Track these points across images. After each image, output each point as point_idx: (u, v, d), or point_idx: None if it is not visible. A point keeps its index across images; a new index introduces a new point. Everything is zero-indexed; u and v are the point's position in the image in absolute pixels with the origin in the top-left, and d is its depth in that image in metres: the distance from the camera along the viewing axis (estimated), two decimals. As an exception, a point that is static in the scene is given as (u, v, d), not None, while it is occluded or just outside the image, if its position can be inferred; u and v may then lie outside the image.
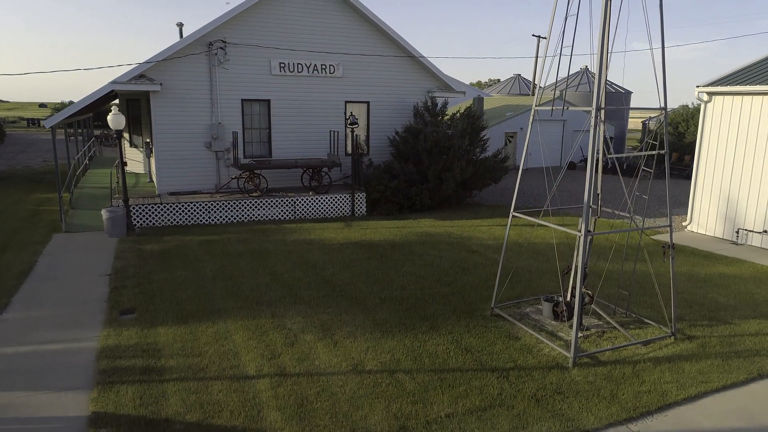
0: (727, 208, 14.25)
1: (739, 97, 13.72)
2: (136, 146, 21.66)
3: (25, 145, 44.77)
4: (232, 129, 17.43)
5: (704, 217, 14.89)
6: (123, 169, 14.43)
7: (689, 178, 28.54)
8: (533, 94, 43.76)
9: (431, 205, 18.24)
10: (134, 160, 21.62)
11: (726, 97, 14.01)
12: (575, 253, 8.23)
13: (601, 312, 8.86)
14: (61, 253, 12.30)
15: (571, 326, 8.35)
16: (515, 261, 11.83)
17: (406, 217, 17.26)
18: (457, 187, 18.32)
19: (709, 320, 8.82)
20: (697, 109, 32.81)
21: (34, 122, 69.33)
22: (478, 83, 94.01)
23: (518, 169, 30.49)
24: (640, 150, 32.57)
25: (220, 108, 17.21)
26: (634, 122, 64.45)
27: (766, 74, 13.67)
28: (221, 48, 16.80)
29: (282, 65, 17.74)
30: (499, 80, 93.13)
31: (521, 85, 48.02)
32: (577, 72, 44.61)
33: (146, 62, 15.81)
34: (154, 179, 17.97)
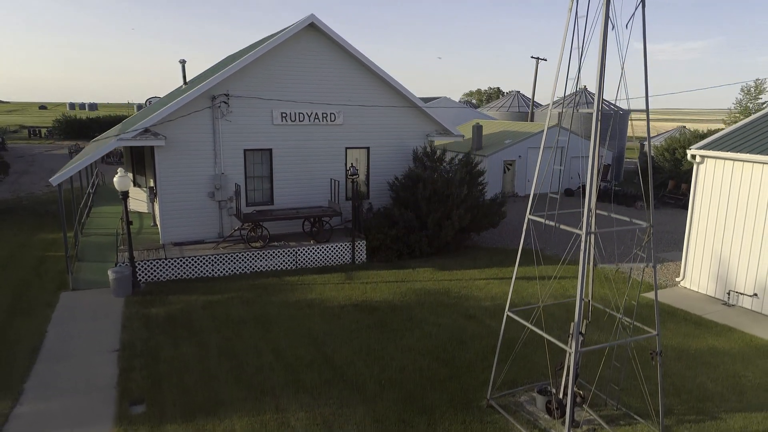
0: (719, 268, 14.59)
1: (730, 162, 14.06)
2: (139, 185, 21.98)
3: (27, 164, 45.05)
4: (235, 178, 17.77)
5: (697, 274, 15.23)
6: (129, 230, 14.74)
7: (686, 207, 28.89)
8: (531, 114, 44.18)
9: (430, 251, 18.58)
10: (138, 199, 21.94)
11: (717, 160, 14.34)
12: (569, 341, 8.50)
13: (589, 411, 9.19)
14: (70, 321, 12.63)
15: (563, 422, 8.69)
16: (513, 328, 12.15)
17: (406, 265, 17.60)
18: (455, 234, 18.66)
19: (697, 414, 9.16)
20: (695, 135, 33.17)
21: (35, 132, 69.63)
22: (478, 91, 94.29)
23: (516, 196, 30.70)
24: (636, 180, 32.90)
25: (223, 158, 17.54)
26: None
27: (755, 140, 14.00)
28: (224, 102, 17.12)
29: (284, 115, 18.07)
30: (499, 89, 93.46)
31: (520, 103, 48.34)
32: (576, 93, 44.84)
33: (151, 118, 16.13)
34: (158, 224, 18.31)
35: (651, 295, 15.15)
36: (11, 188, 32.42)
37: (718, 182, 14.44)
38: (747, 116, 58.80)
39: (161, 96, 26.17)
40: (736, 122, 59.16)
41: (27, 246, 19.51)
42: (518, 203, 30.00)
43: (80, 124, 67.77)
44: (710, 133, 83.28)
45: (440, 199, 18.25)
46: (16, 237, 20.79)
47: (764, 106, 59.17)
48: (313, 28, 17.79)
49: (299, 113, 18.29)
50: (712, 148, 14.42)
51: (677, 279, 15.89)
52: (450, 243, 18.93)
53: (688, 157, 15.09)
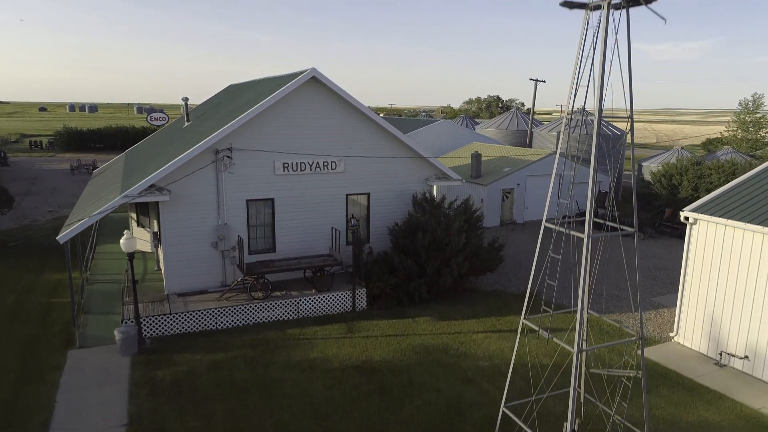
0: (711, 328, 14.93)
1: (722, 226, 14.39)
2: (143, 226, 22.31)
3: (29, 182, 45.35)
4: (238, 227, 18.11)
5: (690, 331, 15.57)
6: (135, 290, 15.08)
7: (683, 237, 29.22)
8: (530, 135, 44.48)
9: (429, 298, 18.93)
10: (141, 239, 22.25)
11: (710, 223, 14.68)
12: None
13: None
14: (78, 389, 12.96)
15: None
16: (511, 391, 12.49)
17: (406, 313, 17.95)
18: (454, 280, 19.01)
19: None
20: (692, 161, 33.48)
21: (36, 144, 69.87)
22: (477, 99, 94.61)
23: (515, 224, 31.00)
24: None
25: (226, 209, 17.88)
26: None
27: (747, 204, 14.33)
28: (228, 156, 17.45)
29: (285, 165, 18.40)
30: (498, 97, 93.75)
31: (519, 121, 48.64)
32: (574, 112, 45.18)
33: (156, 175, 16.43)
34: (162, 269, 18.62)
35: (646, 353, 15.49)
36: (15, 214, 32.66)
37: (710, 244, 14.78)
38: (745, 131, 59.17)
39: (190, 101, 26.31)
40: (735, 135, 59.42)
41: (33, 290, 19.83)
42: (517, 231, 30.37)
43: (81, 136, 68.04)
44: (710, 142, 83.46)
45: (439, 246, 18.59)
46: (22, 278, 21.11)
47: (761, 120, 59.56)
48: (314, 81, 18.11)
49: (301, 163, 18.62)
50: (705, 212, 14.75)
51: (671, 334, 16.24)
52: (449, 288, 19.26)
53: (681, 218, 15.42)
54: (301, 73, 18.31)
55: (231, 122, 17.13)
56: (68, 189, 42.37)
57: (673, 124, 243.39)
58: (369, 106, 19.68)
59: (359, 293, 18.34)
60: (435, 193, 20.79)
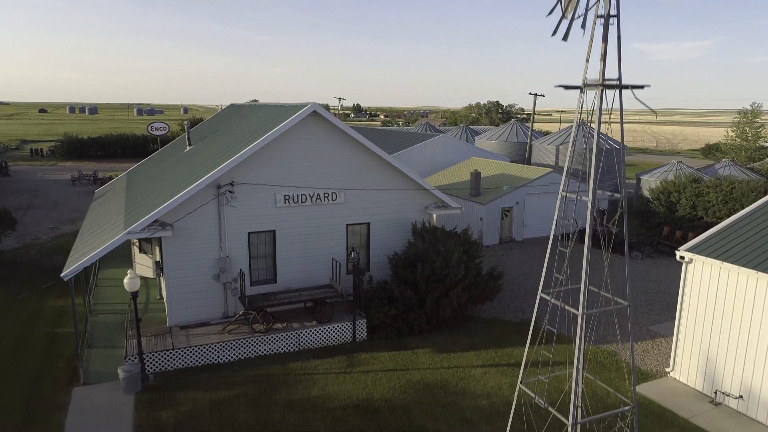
0: (707, 366, 15.14)
1: (717, 266, 14.60)
2: (145, 252, 22.52)
3: (31, 194, 45.54)
4: (240, 259, 18.33)
5: (686, 367, 15.78)
6: (138, 328, 15.28)
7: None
8: (529, 147, 44.67)
9: (429, 328, 19.14)
10: (144, 265, 22.49)
11: (705, 262, 14.88)
12: None
13: None
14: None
15: None
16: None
17: (406, 344, 18.16)
18: (453, 311, 19.22)
19: None
20: (690, 179, 33.64)
21: (37, 152, 70.05)
22: (477, 105, 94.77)
23: (514, 241, 31.18)
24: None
25: (228, 242, 18.09)
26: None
27: (742, 245, 14.54)
28: (230, 191, 17.66)
29: (286, 197, 18.61)
30: (498, 102, 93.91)
31: (518, 132, 48.83)
32: (570, 126, 45.40)
33: (158, 211, 16.63)
34: (164, 298, 18.80)
35: (643, 389, 15.71)
36: (18, 231, 32.69)
37: (706, 283, 14.99)
38: (744, 139, 59.34)
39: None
40: (735, 143, 59.56)
41: (37, 318, 20.04)
42: (516, 250, 30.57)
43: (81, 144, 68.24)
44: (709, 148, 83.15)
45: (438, 277, 18.80)
46: (25, 307, 21.30)
47: (760, 129, 59.76)
48: (314, 115, 18.31)
49: (302, 194, 18.83)
50: (700, 252, 14.96)
51: (667, 369, 16.44)
52: (448, 318, 19.46)
53: (677, 257, 15.62)
54: (302, 106, 18.51)
55: (232, 158, 17.33)
56: (69, 202, 42.57)
57: (672, 125, 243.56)
58: (369, 106, 19.90)
59: (359, 324, 18.55)
60: (435, 221, 21.00)
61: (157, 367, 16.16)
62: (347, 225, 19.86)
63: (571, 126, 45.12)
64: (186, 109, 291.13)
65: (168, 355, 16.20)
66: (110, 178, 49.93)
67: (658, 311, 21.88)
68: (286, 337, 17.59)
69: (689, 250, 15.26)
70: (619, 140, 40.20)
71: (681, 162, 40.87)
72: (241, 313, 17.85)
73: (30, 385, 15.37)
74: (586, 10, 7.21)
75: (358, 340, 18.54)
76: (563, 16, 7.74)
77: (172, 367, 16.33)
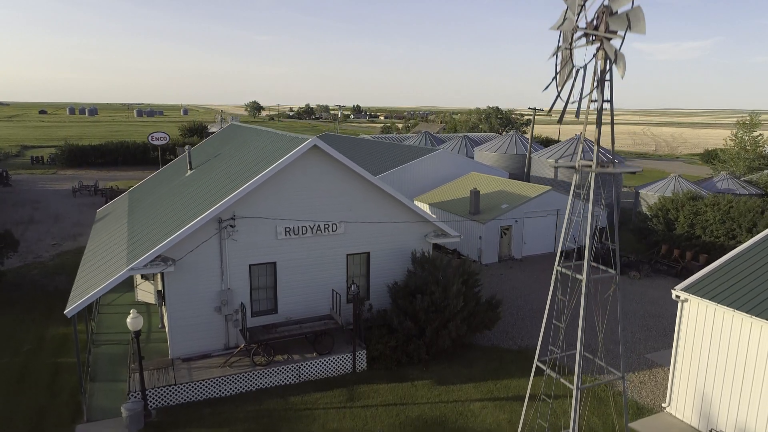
0: (702, 403, 15.35)
1: (712, 307, 14.80)
2: (146, 278, 22.70)
3: (32, 206, 45.70)
4: (241, 291, 18.53)
5: (682, 403, 15.98)
6: (141, 367, 15.49)
7: (679, 276, 29.58)
8: (528, 161, 44.85)
9: (428, 358, 19.34)
10: (145, 290, 22.69)
11: (700, 303, 15.08)
12: None
13: None
14: (88, 474, 13.39)
15: None
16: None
17: (406, 375, 18.37)
18: (452, 341, 19.43)
19: None
20: (688, 196, 33.82)
21: (38, 159, 70.20)
22: (477, 110, 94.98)
23: (513, 259, 31.34)
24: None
25: (229, 274, 18.29)
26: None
27: (737, 286, 14.73)
28: (231, 226, 17.85)
29: (287, 230, 18.81)
30: (497, 108, 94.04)
31: (518, 144, 49.02)
32: (571, 139, 45.66)
33: (161, 247, 16.82)
34: (166, 327, 18.98)
35: (639, 426, 15.91)
36: (20, 247, 32.96)
37: (701, 323, 15.18)
38: (743, 149, 59.47)
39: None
40: (733, 152, 59.68)
41: (40, 347, 20.23)
42: (515, 269, 30.77)
43: (82, 152, 68.41)
44: (708, 153, 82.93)
45: (438, 308, 19.00)
46: (29, 331, 21.51)
47: (758, 138, 59.90)
48: (314, 149, 18.51)
49: (302, 226, 19.03)
50: (695, 292, 15.15)
51: (663, 405, 16.65)
52: (447, 348, 19.66)
53: (673, 296, 15.81)
54: (302, 140, 18.71)
55: (233, 193, 17.51)
56: (71, 215, 42.74)
57: (672, 127, 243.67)
58: (369, 107, 20.06)
59: (359, 355, 18.75)
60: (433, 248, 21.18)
61: (159, 402, 16.36)
62: (347, 255, 20.06)
63: (571, 139, 45.37)
64: (186, 110, 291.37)
65: (170, 391, 16.40)
66: (111, 189, 50.13)
67: (655, 337, 22.09)
68: (287, 369, 17.79)
69: (685, 289, 15.46)
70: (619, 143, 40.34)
71: (679, 176, 41.05)
72: (242, 346, 18.04)
73: (34, 423, 15.57)
74: (581, 97, 7.40)
75: (358, 370, 18.75)
76: (558, 95, 7.93)
77: (174, 402, 16.53)
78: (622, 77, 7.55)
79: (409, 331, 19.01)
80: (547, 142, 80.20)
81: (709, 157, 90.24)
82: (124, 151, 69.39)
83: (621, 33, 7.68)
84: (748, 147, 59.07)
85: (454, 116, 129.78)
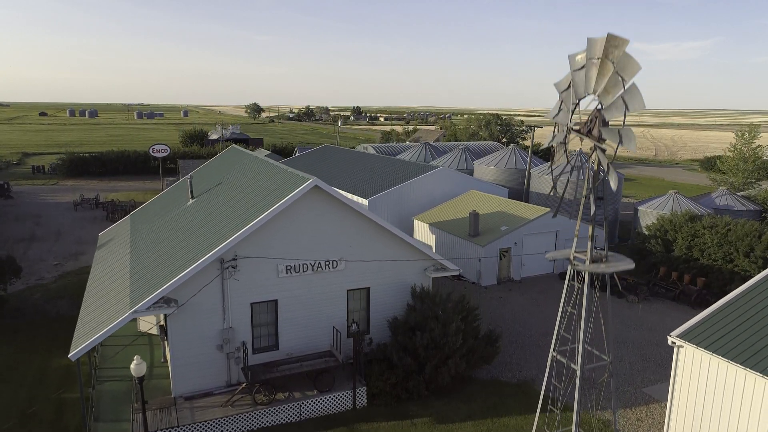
0: (697, 448, 15.56)
1: (707, 356, 15.01)
2: (149, 309, 22.90)
3: (33, 221, 45.89)
4: (242, 330, 18.75)
5: (677, 446, 16.19)
6: (144, 412, 15.70)
7: (677, 300, 29.79)
8: (528, 177, 45.03)
9: (427, 393, 19.56)
10: (148, 322, 22.90)
11: (695, 351, 15.29)
12: None
13: None
14: None
15: None
16: None
17: (405, 412, 18.60)
18: (452, 377, 19.65)
19: None
20: (686, 216, 34.00)
21: (39, 169, 70.39)
22: (477, 117, 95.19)
23: (512, 281, 31.55)
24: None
25: (231, 313, 18.50)
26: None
27: (732, 334, 14.94)
28: (233, 267, 18.07)
29: (288, 268, 19.02)
30: (497, 114, 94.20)
31: (517, 159, 49.20)
32: (570, 154, 45.81)
33: (163, 290, 17.03)
34: (169, 364, 19.22)
35: (634, 469, 16.12)
36: (22, 267, 33.16)
37: (696, 370, 15.39)
38: (743, 161, 59.66)
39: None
40: (734, 164, 59.84)
41: (44, 380, 20.45)
42: (514, 291, 31.00)
43: (83, 162, 68.60)
44: (708, 160, 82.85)
45: (437, 345, 19.22)
46: (32, 362, 21.73)
47: (757, 150, 60.10)
48: (315, 189, 18.71)
49: (303, 264, 19.23)
50: (690, 340, 15.36)
51: (659, 446, 16.87)
52: (447, 384, 19.88)
53: (669, 342, 16.02)
54: (303, 179, 18.91)
55: (234, 235, 17.70)
56: (72, 231, 42.94)
57: (672, 129, 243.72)
58: (369, 107, 20.22)
59: (359, 391, 18.97)
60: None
61: (162, 443, 16.57)
62: (347, 290, 20.28)
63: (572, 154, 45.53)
64: (186, 112, 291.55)
65: (173, 433, 16.62)
66: (112, 202, 50.35)
67: (653, 369, 22.27)
68: (288, 408, 18.01)
69: (681, 336, 15.66)
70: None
71: (678, 193, 41.23)
72: (244, 385, 18.25)
73: (39, 466, 15.79)
74: (575, 196, 7.60)
75: (358, 407, 18.97)
76: (554, 188, 8.13)
77: (177, 444, 16.75)
78: (635, 151, 7.76)
79: (408, 367, 19.23)
80: (546, 154, 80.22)
81: (709, 164, 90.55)
82: (125, 160, 69.60)
83: (619, 116, 7.85)
84: (746, 156, 59.21)
85: (454, 122, 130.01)
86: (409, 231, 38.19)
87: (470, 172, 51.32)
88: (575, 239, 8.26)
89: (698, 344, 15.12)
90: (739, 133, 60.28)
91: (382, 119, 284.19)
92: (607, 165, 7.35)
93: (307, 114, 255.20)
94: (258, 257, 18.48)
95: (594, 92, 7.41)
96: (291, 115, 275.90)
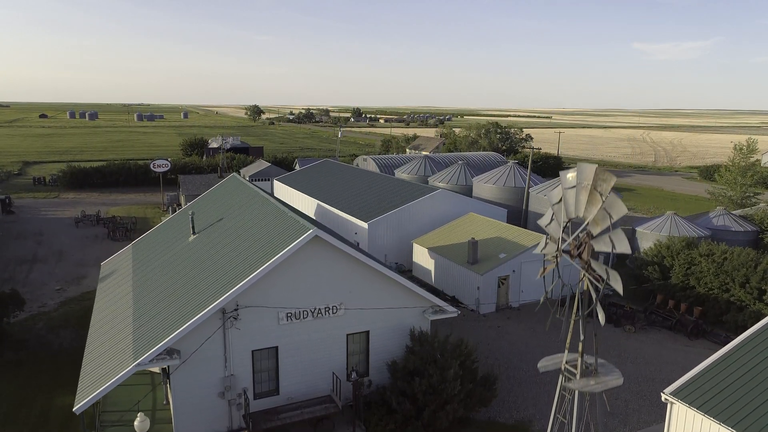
0: (690, 503, 15.85)
1: (700, 416, 15.29)
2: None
3: (35, 240, 46.15)
4: (243, 376, 19.06)
5: (671, 499, 16.48)
6: (148, 467, 16.02)
7: (674, 330, 30.05)
8: (527, 197, 45.28)
9: (426, 437, 19.89)
10: (150, 360, 23.19)
11: (688, 410, 15.57)
12: None
13: None
14: None
15: None
16: None
17: (403, 458, 18.91)
18: (450, 423, 19.96)
19: None
20: (683, 243, 34.23)
21: (40, 180, 70.67)
22: (477, 124, 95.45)
23: (510, 308, 31.79)
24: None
25: (232, 361, 18.80)
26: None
27: (727, 391, 15.22)
28: (234, 318, 18.36)
29: (289, 315, 19.33)
30: (497, 123, 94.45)
31: (516, 177, 49.48)
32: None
33: (166, 342, 17.32)
34: (171, 407, 19.49)
35: None
36: (24, 292, 33.37)
37: (689, 427, 15.67)
38: (741, 175, 59.91)
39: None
40: (732, 179, 60.13)
41: (47, 423, 20.72)
42: (512, 319, 31.27)
43: (84, 173, 68.87)
44: (707, 169, 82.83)
45: (436, 390, 19.52)
46: (35, 401, 22.00)
47: (755, 164, 60.36)
48: (315, 239, 19.00)
49: (303, 311, 19.53)
50: (682, 398, 15.64)
51: (653, 498, 17.17)
52: (444, 428, 20.18)
53: (662, 398, 16.30)
54: (304, 229, 19.19)
55: (235, 287, 17.99)
56: (74, 253, 43.17)
57: (672, 131, 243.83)
58: (369, 107, 20.58)
59: (359, 437, 19.29)
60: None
61: (165, 495, 16.89)
62: (347, 334, 20.58)
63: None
64: (186, 113, 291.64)
65: (176, 484, 16.92)
66: (113, 218, 50.66)
67: (649, 407, 22.53)
68: (289, 456, 18.32)
69: (673, 393, 15.94)
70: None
71: (675, 214, 41.49)
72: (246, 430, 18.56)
73: None
74: (566, 316, 7.89)
75: (357, 452, 19.29)
76: (547, 300, 8.40)
77: (179, 495, 17.06)
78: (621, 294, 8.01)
79: (407, 412, 19.53)
80: (545, 167, 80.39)
81: (708, 173, 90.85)
82: (125, 172, 69.86)
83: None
84: (745, 170, 59.44)
85: (453, 129, 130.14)
86: (409, 254, 38.52)
87: (470, 188, 51.64)
88: (566, 350, 8.53)
89: (690, 404, 15.40)
90: (738, 147, 60.56)
91: (382, 120, 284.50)
92: (596, 299, 7.63)
93: (307, 116, 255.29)
94: (259, 306, 18.77)
95: (584, 218, 7.68)
96: (291, 117, 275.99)
